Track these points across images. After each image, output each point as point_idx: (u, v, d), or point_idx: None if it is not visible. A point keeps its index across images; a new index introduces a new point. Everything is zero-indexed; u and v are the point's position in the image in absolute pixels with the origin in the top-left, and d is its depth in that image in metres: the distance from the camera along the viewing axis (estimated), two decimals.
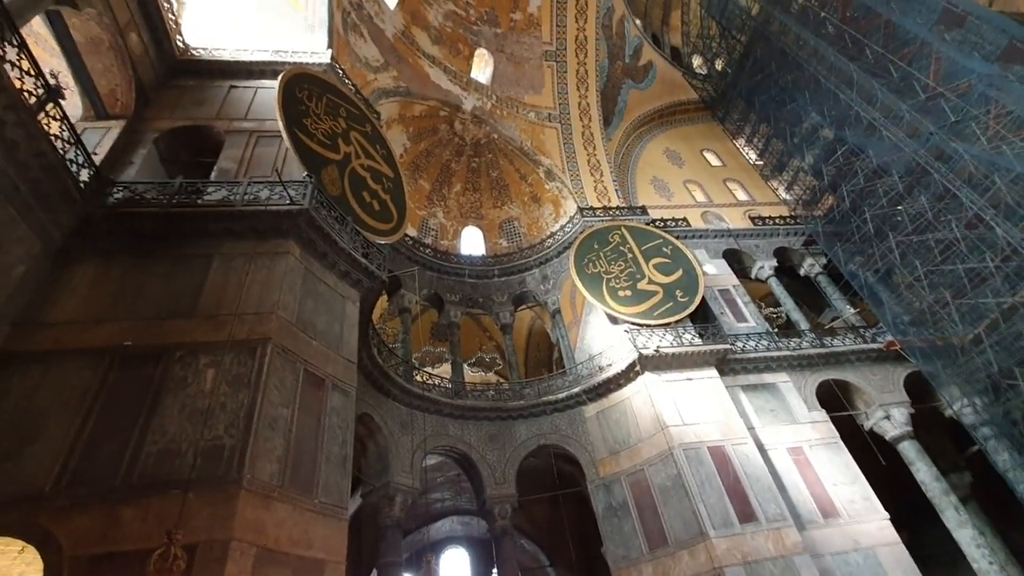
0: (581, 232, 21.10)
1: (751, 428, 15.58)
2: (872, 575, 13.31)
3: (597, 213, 21.89)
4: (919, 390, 17.07)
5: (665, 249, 19.92)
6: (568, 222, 22.36)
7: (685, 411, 15.58)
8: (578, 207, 22.24)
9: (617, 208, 22.09)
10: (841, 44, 19.21)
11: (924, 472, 15.58)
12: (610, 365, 17.38)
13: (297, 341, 10.24)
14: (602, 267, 19.50)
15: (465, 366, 21.65)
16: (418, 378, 17.19)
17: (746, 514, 13.71)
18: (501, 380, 22.88)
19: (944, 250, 15.79)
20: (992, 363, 14.55)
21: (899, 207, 17.07)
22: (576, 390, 17.60)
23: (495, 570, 19.64)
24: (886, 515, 14.35)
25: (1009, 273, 14.18)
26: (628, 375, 16.75)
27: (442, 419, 16.75)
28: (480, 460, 16.54)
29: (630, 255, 19.76)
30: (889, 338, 17.47)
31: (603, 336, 18.55)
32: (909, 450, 16.01)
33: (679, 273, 19.09)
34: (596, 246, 20.23)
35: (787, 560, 12.90)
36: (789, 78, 21.21)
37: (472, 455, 16.58)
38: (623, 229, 20.72)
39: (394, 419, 15.42)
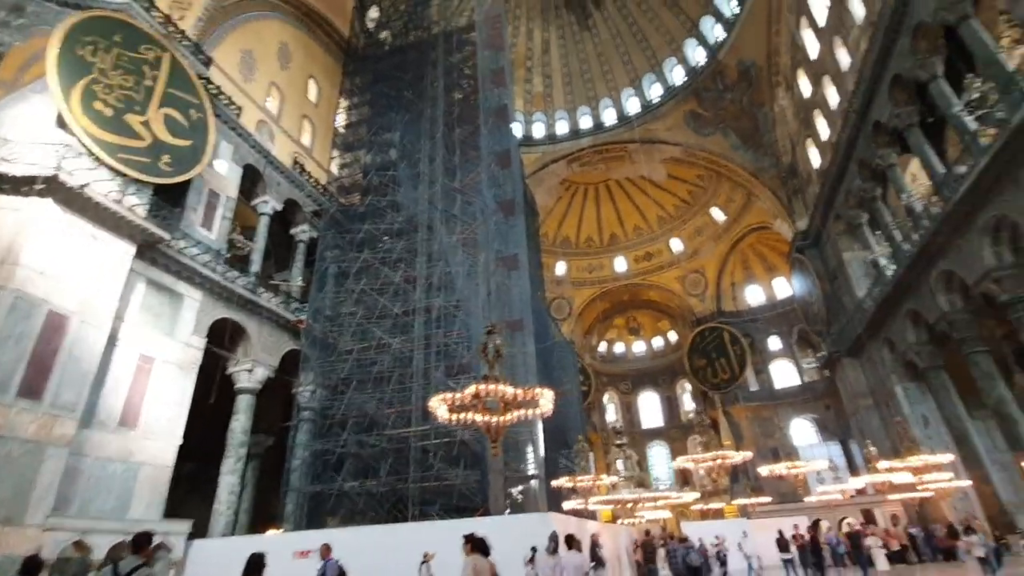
0: (119, 10, 15.73)
1: (120, 318, 14.11)
2: (119, 486, 13.52)
3: (154, 8, 16.96)
4: (290, 363, 19.80)
5: (193, 112, 17.00)
6: None
7: (58, 262, 12.76)
8: None
9: (180, 31, 17.74)
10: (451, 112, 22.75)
11: (239, 424, 17.72)
12: (7, 161, 12.76)
13: None
14: (105, 63, 14.78)
15: None
16: None
17: (34, 389, 11.83)
18: None
19: (383, 287, 19.80)
20: (341, 372, 18.71)
21: (386, 237, 20.64)
22: None
23: None
24: (179, 442, 15.15)
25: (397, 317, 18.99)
26: (21, 185, 12.64)
27: None
28: None
29: (149, 83, 15.84)
30: (305, 316, 19.94)
31: (33, 126, 13.66)
32: (243, 402, 18.03)
33: (186, 143, 16.50)
34: (119, 39, 15.33)
35: (40, 446, 11.63)
36: (409, 95, 23.39)
37: None
38: (168, 58, 16.55)
39: None
